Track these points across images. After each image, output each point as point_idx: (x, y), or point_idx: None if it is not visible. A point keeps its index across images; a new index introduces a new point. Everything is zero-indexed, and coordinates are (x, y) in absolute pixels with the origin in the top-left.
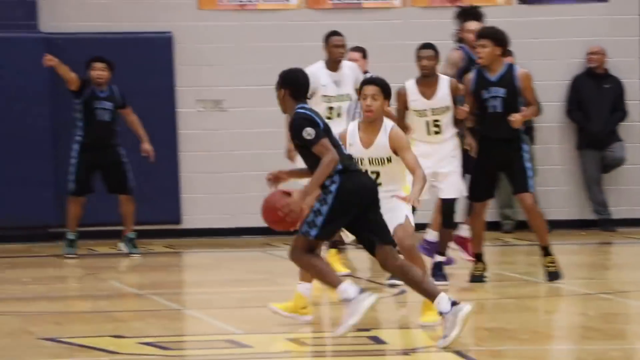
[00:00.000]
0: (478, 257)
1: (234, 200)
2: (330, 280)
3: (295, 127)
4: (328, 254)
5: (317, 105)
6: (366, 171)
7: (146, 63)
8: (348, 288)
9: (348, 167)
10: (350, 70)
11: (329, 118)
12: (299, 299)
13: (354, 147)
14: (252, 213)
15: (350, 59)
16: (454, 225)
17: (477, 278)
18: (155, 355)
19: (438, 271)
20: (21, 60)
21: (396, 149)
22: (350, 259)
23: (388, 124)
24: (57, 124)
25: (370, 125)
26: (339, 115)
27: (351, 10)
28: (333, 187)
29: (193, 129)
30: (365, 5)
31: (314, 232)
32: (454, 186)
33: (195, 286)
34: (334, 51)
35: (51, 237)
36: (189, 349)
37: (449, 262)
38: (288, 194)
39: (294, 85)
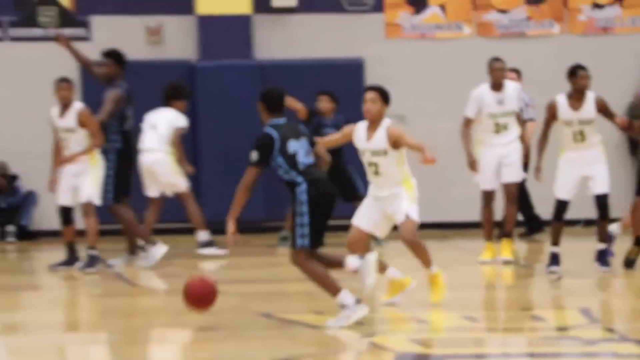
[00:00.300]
0: (637, 241)
1: None
2: (330, 288)
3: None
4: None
5: (484, 121)
6: (327, 177)
7: (341, 85)
8: (346, 296)
9: (313, 176)
10: (513, 90)
11: (496, 132)
12: (392, 283)
13: (360, 140)
14: None
15: (508, 79)
16: (609, 218)
17: (629, 262)
18: (349, 329)
19: (603, 257)
20: (238, 84)
21: (396, 140)
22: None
23: (386, 122)
24: None
25: (372, 123)
26: (505, 128)
27: (516, 38)
28: (303, 197)
29: None
30: (528, 34)
31: (307, 242)
32: (603, 183)
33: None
34: (495, 74)
35: (263, 230)
36: (377, 325)
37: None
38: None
39: (267, 100)
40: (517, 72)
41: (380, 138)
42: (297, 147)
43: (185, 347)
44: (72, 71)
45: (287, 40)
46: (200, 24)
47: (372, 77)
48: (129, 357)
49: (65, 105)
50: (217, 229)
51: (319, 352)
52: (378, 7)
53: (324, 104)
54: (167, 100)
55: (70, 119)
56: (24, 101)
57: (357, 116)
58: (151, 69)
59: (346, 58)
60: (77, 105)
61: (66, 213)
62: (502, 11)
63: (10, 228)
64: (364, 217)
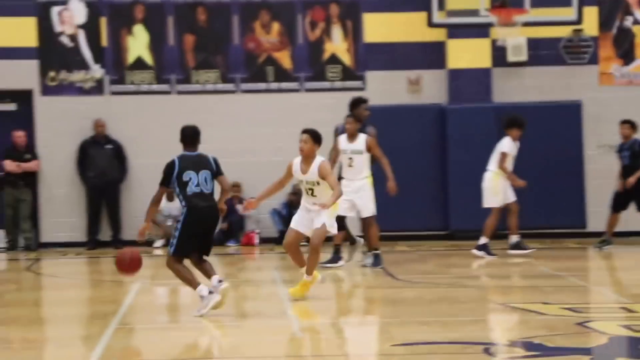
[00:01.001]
0: None
1: None
2: (191, 283)
3: None
4: None
5: None
6: (208, 205)
7: (562, 123)
8: (203, 289)
9: (193, 203)
10: None
11: None
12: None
13: (297, 172)
14: None
15: None
16: None
17: None
18: (571, 316)
19: None
20: (479, 123)
21: (323, 176)
22: None
23: (318, 159)
24: None
25: (305, 159)
26: None
27: None
28: (182, 218)
29: (594, 164)
30: None
31: (171, 249)
32: None
33: (617, 271)
34: None
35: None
36: (593, 313)
37: None
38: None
39: (181, 135)
40: None
41: (313, 172)
42: (193, 177)
43: (440, 327)
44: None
45: (519, 87)
46: (451, 76)
47: (588, 116)
48: (395, 336)
49: (351, 135)
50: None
51: (546, 334)
52: (593, 60)
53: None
54: (504, 128)
55: (358, 144)
56: None
57: (569, 145)
58: (410, 111)
59: (567, 100)
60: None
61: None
62: None
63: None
64: (299, 223)
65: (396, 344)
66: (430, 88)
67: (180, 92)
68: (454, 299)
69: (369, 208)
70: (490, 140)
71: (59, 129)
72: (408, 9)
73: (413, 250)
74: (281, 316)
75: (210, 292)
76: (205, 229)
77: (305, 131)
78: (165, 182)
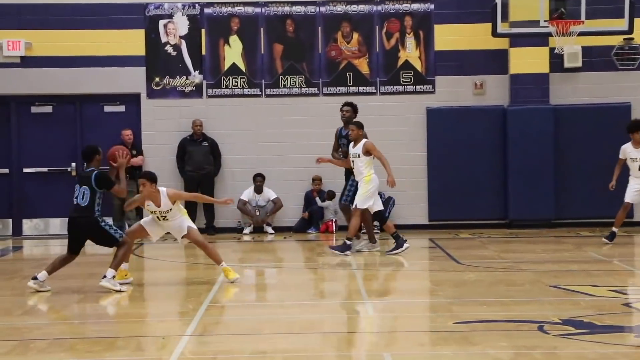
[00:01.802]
0: None
1: None
2: (117, 264)
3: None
4: None
5: None
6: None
7: (613, 122)
8: (110, 272)
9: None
10: None
11: None
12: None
13: (150, 206)
14: None
15: None
16: None
17: None
18: (617, 298)
19: None
20: (537, 123)
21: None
22: None
23: (163, 190)
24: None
25: (152, 194)
26: None
27: None
28: None
29: None
30: None
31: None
32: None
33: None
34: None
35: (553, 225)
36: (635, 295)
37: None
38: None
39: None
40: None
41: (165, 203)
42: (77, 189)
43: (498, 307)
44: (422, 112)
45: (574, 90)
46: (512, 80)
47: (636, 115)
48: (458, 315)
49: (354, 140)
50: (523, 225)
51: (595, 313)
52: None
53: None
54: (628, 132)
55: (358, 148)
56: (390, 134)
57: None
58: (475, 112)
59: (618, 102)
60: None
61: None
62: None
63: (376, 223)
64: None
65: (458, 321)
66: (494, 91)
67: (269, 95)
68: (510, 282)
69: (358, 201)
70: (546, 138)
71: (162, 128)
72: (474, 20)
73: (475, 237)
74: (356, 296)
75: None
76: (74, 233)
77: (140, 176)
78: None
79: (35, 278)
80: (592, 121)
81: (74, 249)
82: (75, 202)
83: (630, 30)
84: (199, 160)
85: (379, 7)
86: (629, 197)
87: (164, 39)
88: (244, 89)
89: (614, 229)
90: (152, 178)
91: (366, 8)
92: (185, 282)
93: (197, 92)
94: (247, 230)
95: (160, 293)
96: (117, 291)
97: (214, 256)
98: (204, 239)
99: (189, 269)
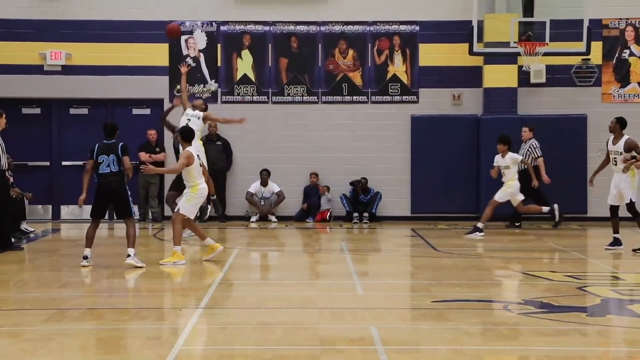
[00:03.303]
0: None
1: None
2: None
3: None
4: None
5: None
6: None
7: (570, 132)
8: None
9: (100, 179)
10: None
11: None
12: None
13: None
14: None
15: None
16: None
17: None
18: (572, 282)
19: None
20: (507, 129)
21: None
22: None
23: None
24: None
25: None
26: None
27: None
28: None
29: (594, 164)
30: None
31: (90, 213)
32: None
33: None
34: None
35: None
36: (590, 280)
37: None
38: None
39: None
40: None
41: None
42: (105, 159)
43: (470, 288)
44: (407, 119)
45: (538, 102)
46: (485, 93)
47: (591, 126)
48: (435, 294)
49: None
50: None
51: (553, 295)
52: (597, 83)
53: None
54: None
55: None
56: (378, 138)
57: (581, 149)
58: (453, 120)
59: (576, 114)
60: None
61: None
62: None
63: (366, 214)
64: None
65: (436, 300)
66: (469, 102)
67: (275, 102)
68: (481, 267)
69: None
70: (515, 144)
71: None
72: (454, 40)
73: (451, 228)
74: (347, 277)
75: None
76: (107, 200)
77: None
78: (91, 158)
79: (85, 257)
80: (553, 130)
81: (100, 213)
82: (106, 170)
83: (588, 51)
84: (214, 157)
85: (372, 28)
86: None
87: (185, 52)
88: (254, 97)
89: (479, 224)
90: (184, 137)
91: (360, 28)
92: (199, 261)
93: (212, 98)
94: (253, 219)
95: (178, 271)
96: (139, 267)
97: (176, 237)
98: (178, 222)
99: (202, 250)
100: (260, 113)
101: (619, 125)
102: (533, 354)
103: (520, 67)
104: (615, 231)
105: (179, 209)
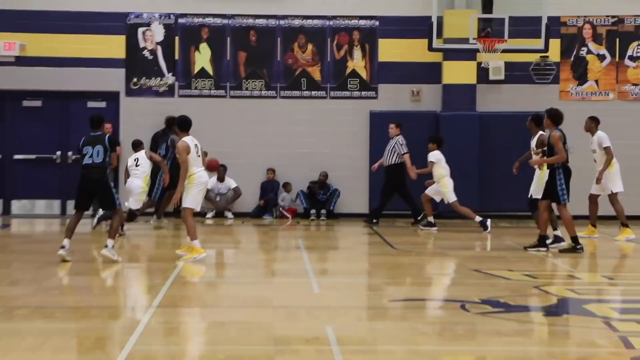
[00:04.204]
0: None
1: None
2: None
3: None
4: None
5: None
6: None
7: (527, 130)
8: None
9: (82, 169)
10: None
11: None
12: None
13: None
14: None
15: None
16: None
17: None
18: (529, 281)
19: None
20: (465, 127)
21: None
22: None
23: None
24: (482, 160)
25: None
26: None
27: None
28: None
29: None
30: None
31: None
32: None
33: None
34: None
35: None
36: (547, 279)
37: None
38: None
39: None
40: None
41: None
42: (89, 150)
43: (427, 287)
44: (366, 115)
45: (497, 99)
46: (444, 89)
47: None
48: (392, 294)
49: None
50: (451, 216)
51: (510, 294)
52: (555, 80)
53: None
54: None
55: None
56: (337, 134)
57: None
58: (412, 116)
59: (534, 111)
60: None
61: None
62: (635, 84)
63: (323, 211)
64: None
65: (393, 299)
66: (428, 98)
67: (233, 97)
68: (438, 265)
69: None
70: (473, 141)
71: (138, 122)
72: (413, 36)
73: (408, 226)
74: (303, 275)
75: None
76: (86, 189)
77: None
78: (78, 151)
79: (63, 247)
80: (512, 127)
81: (84, 205)
82: (89, 162)
83: (546, 49)
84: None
85: (331, 22)
86: None
87: (142, 44)
88: (211, 91)
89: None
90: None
91: (320, 22)
92: (153, 259)
93: (170, 92)
94: (209, 215)
95: (133, 269)
96: (115, 260)
97: (190, 232)
98: (188, 216)
99: (158, 247)
100: (218, 107)
101: (534, 122)
102: (490, 354)
103: (479, 64)
104: (554, 227)
105: (184, 205)
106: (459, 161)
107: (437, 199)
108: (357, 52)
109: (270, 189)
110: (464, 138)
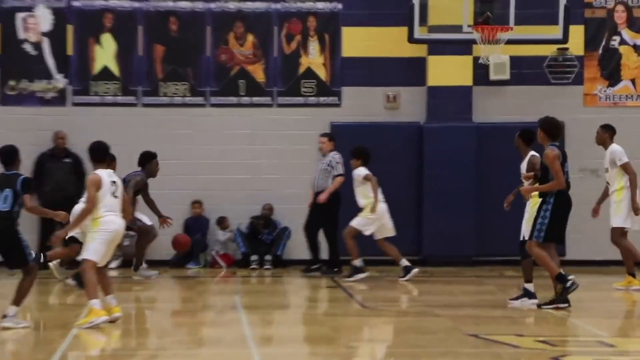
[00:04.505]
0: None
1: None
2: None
3: None
4: None
5: None
6: None
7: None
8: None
9: None
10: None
11: None
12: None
13: None
14: None
15: None
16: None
17: None
18: (546, 350)
19: None
20: (458, 142)
21: None
22: None
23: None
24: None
25: None
26: None
27: None
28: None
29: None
30: None
31: None
32: None
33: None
34: None
35: (474, 263)
36: (569, 346)
37: None
38: None
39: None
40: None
41: None
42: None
43: (399, 358)
44: (325, 128)
45: (500, 106)
46: (430, 93)
47: (570, 137)
48: None
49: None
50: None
51: None
52: (578, 80)
53: None
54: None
55: None
56: (286, 153)
57: None
58: (387, 130)
59: None
60: None
61: None
62: None
63: (268, 257)
64: None
65: None
66: (409, 105)
67: (146, 105)
68: (423, 329)
69: None
70: (468, 162)
71: (17, 140)
72: (388, 23)
73: (382, 276)
74: (241, 344)
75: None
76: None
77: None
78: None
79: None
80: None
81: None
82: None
83: (565, 39)
84: (59, 180)
85: (279, 5)
86: None
87: (22, 36)
88: (117, 97)
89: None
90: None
91: (263, 5)
92: (39, 325)
93: (60, 98)
94: (113, 264)
95: (9, 337)
96: (23, 328)
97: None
98: (86, 271)
99: (43, 310)
100: (126, 119)
101: (523, 140)
102: None
103: (476, 60)
104: (527, 279)
105: (83, 255)
106: (450, 189)
107: (367, 230)
108: (314, 45)
109: (197, 227)
110: (457, 157)
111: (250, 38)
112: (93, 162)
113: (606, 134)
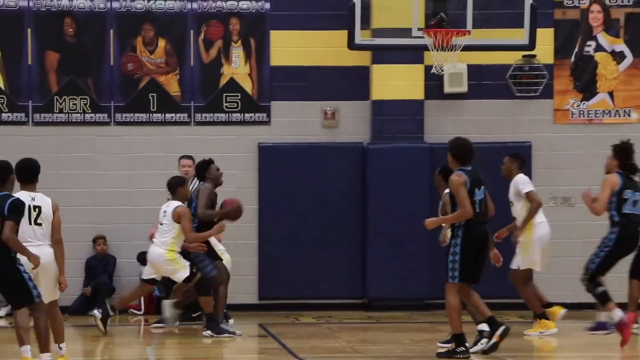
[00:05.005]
0: None
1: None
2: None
3: None
4: None
5: None
6: None
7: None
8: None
9: None
10: None
11: None
12: None
13: None
14: None
15: None
16: None
17: None
18: None
19: None
20: (408, 165)
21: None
22: None
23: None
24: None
25: None
26: None
27: None
28: None
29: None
30: None
31: None
32: None
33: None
34: None
35: (427, 307)
36: None
37: None
38: None
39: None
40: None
41: None
42: None
43: None
44: (252, 150)
45: (456, 123)
46: (375, 108)
47: (538, 159)
48: None
49: None
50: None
51: None
52: (547, 93)
53: None
54: None
55: None
56: None
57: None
58: (324, 151)
59: (515, 141)
60: None
61: None
62: None
63: None
64: None
65: None
66: (350, 123)
67: (37, 123)
68: None
69: None
70: (420, 188)
71: None
72: (325, 26)
73: (321, 322)
74: None
75: None
76: None
77: None
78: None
79: None
80: (482, 166)
81: None
82: None
83: (532, 44)
84: None
85: (195, 5)
86: None
87: None
88: (3, 114)
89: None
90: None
91: (177, 5)
92: None
93: None
94: (2, 312)
95: None
96: None
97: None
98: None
99: None
100: (14, 140)
101: (442, 177)
102: None
103: (428, 69)
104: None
105: None
106: (399, 220)
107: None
108: (238, 52)
109: (101, 268)
110: (406, 183)
111: (161, 44)
112: (21, 183)
113: (514, 164)
